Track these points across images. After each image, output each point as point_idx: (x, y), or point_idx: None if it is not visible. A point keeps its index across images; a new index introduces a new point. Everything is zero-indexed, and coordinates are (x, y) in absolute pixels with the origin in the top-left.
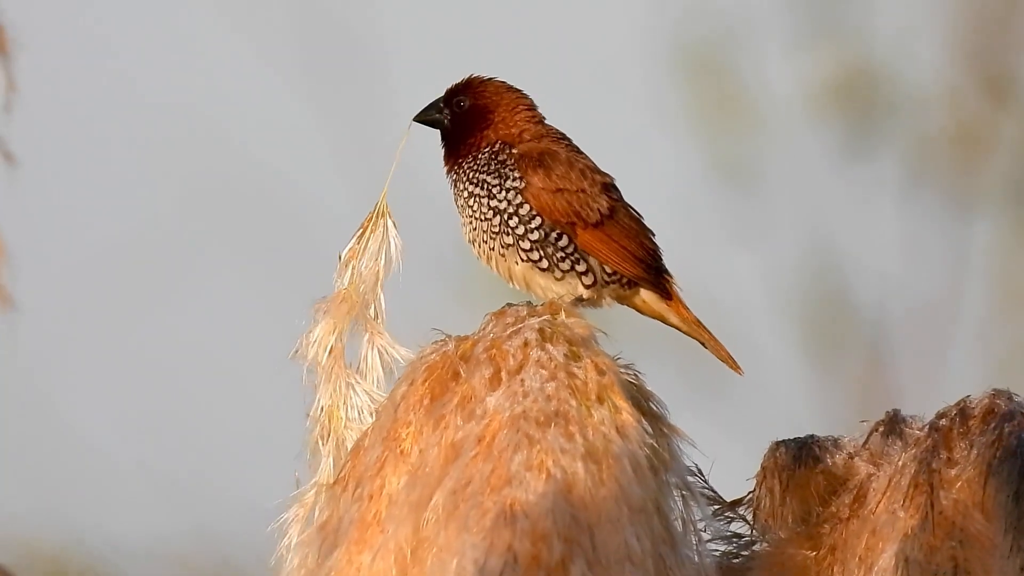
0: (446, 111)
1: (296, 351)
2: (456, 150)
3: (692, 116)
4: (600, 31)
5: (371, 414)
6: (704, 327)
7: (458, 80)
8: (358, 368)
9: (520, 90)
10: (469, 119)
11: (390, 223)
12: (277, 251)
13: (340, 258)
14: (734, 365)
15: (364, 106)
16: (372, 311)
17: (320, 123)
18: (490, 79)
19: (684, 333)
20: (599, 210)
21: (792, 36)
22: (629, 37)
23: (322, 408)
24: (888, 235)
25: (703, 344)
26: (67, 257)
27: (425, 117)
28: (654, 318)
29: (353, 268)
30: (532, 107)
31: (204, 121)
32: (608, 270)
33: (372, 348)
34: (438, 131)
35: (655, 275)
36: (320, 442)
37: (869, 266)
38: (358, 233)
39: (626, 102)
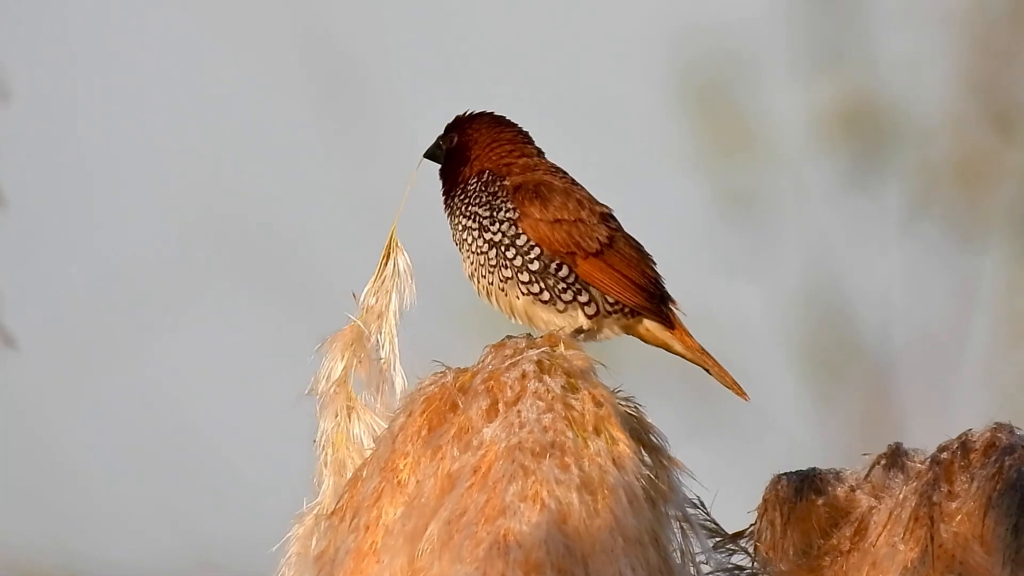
0: (442, 146)
1: (311, 387)
2: (447, 185)
3: (697, 146)
4: (606, 64)
5: (372, 439)
6: (708, 354)
7: (459, 115)
8: (369, 397)
9: (508, 123)
10: (456, 154)
11: (401, 258)
12: (280, 285)
13: (356, 298)
14: (739, 391)
15: (370, 142)
16: (384, 343)
17: (326, 158)
18: (479, 113)
19: (688, 361)
20: (599, 239)
21: (797, 67)
22: (635, 69)
23: (324, 434)
24: (892, 266)
25: (707, 371)
26: (71, 288)
27: (429, 153)
28: (658, 346)
29: (364, 302)
30: (516, 139)
31: (211, 156)
32: (610, 300)
33: (380, 379)
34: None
35: (657, 303)
36: (323, 463)
37: (873, 297)
38: (377, 270)
39: (631, 133)
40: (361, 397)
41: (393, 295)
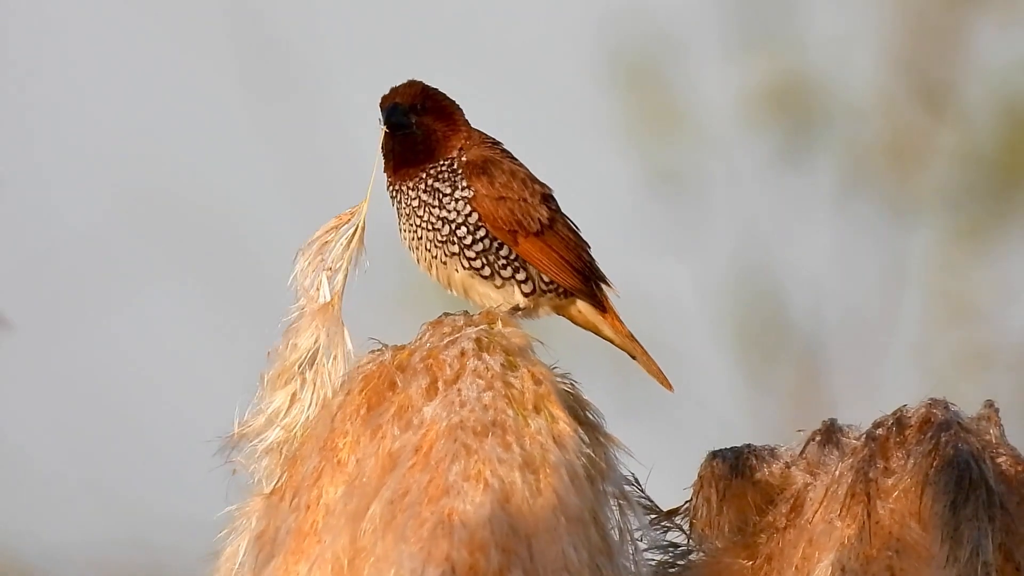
0: (412, 117)
1: (276, 356)
2: (419, 158)
3: (627, 125)
4: (536, 41)
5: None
6: (637, 341)
7: (403, 85)
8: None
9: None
10: (431, 126)
11: (362, 234)
12: (213, 263)
13: (303, 251)
14: (664, 381)
15: (301, 117)
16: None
17: (258, 135)
18: (437, 89)
19: (617, 346)
20: (539, 220)
21: (727, 45)
22: (565, 47)
23: (300, 422)
24: (823, 245)
25: (634, 358)
26: (3, 268)
27: (396, 123)
28: (588, 329)
29: (326, 274)
30: (463, 116)
31: (142, 135)
32: (546, 279)
33: (338, 357)
34: (380, 137)
35: (591, 286)
36: (283, 450)
37: (804, 276)
38: (333, 221)
39: (561, 111)
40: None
41: (350, 271)
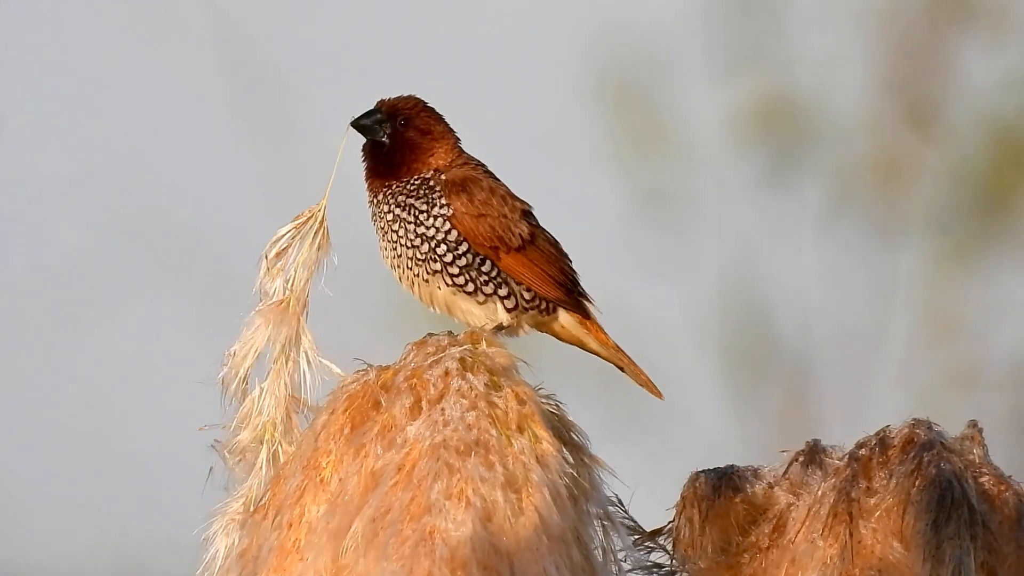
0: (387, 126)
1: (232, 357)
2: (393, 171)
3: (615, 145)
4: (523, 61)
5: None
6: (623, 352)
7: (396, 97)
8: (291, 379)
9: (442, 116)
10: (411, 141)
11: (326, 229)
12: (199, 281)
13: (266, 256)
14: (654, 389)
15: (286, 134)
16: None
17: (243, 152)
18: (433, 107)
19: (603, 359)
20: (520, 235)
21: (715, 65)
22: (552, 67)
23: (262, 421)
24: (810, 264)
25: (622, 369)
26: None
27: (367, 123)
28: (573, 344)
29: (284, 271)
30: (452, 135)
31: (128, 153)
32: (527, 296)
33: (301, 357)
34: (362, 143)
35: (575, 298)
36: (254, 452)
37: (791, 295)
38: (288, 232)
39: (548, 131)
40: (285, 382)
41: (315, 267)
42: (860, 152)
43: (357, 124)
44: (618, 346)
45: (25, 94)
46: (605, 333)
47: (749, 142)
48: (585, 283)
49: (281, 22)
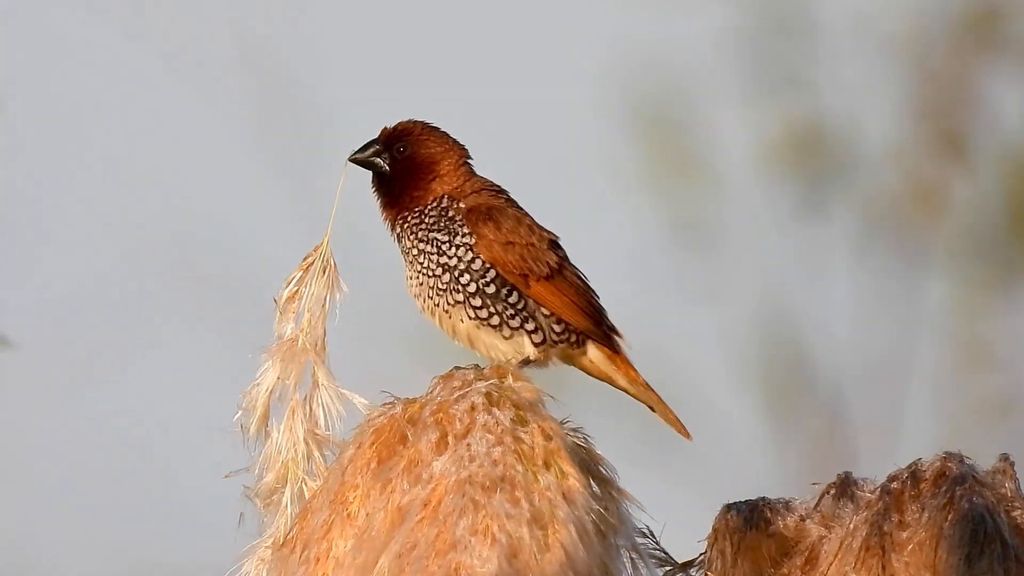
0: (385, 156)
1: (245, 401)
2: (399, 201)
3: (646, 175)
4: (554, 89)
5: (324, 456)
6: (652, 390)
7: (395, 123)
8: (309, 414)
9: (456, 140)
10: (411, 168)
11: (334, 267)
12: (231, 306)
13: (277, 302)
14: (682, 430)
15: (313, 158)
16: (322, 357)
17: (272, 177)
18: (433, 127)
19: (632, 396)
20: (548, 264)
21: (746, 93)
22: (583, 94)
23: (283, 460)
24: (843, 293)
25: (651, 408)
26: (17, 310)
27: (362, 158)
28: (602, 380)
29: (297, 313)
30: (466, 159)
31: (157, 179)
32: (557, 329)
33: (320, 393)
34: (370, 173)
35: (603, 330)
36: (279, 492)
37: (824, 325)
38: (296, 276)
39: (579, 159)
40: (305, 418)
41: (327, 306)
42: (891, 181)
43: (355, 159)
44: (648, 384)
45: (57, 121)
46: (635, 370)
47: (781, 170)
48: (615, 314)
49: (310, 46)
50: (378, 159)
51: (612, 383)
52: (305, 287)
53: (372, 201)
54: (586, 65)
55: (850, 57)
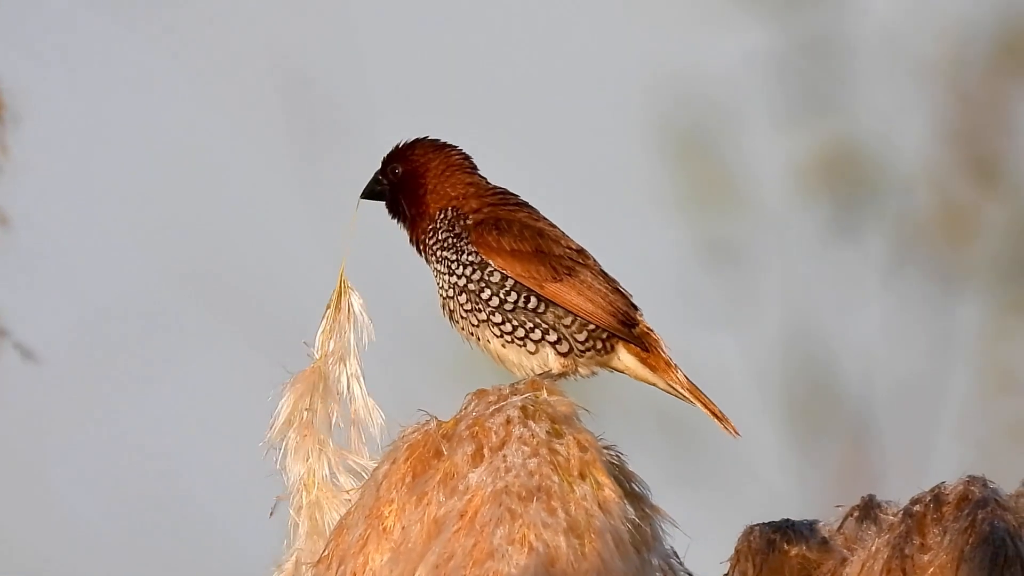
0: (384, 181)
1: (272, 428)
2: (411, 223)
3: (678, 196)
4: (587, 111)
5: (340, 474)
6: (697, 388)
7: (398, 145)
8: (339, 438)
9: (448, 145)
10: (407, 186)
11: (355, 298)
12: (260, 329)
13: (311, 344)
14: (730, 427)
15: (346, 175)
16: (343, 382)
17: (307, 201)
18: (416, 140)
19: (676, 397)
20: (560, 267)
21: (779, 115)
22: (616, 116)
23: (299, 477)
24: (873, 316)
25: (703, 405)
26: (42, 325)
27: (368, 193)
28: (644, 382)
29: (322, 343)
30: (464, 163)
31: (187, 200)
32: (580, 337)
33: (336, 415)
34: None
35: (627, 328)
36: (298, 508)
37: (854, 347)
38: (324, 314)
39: (612, 181)
40: (330, 440)
41: (351, 336)
42: (923, 204)
43: (363, 196)
44: (691, 382)
45: (86, 139)
46: (675, 368)
47: (813, 192)
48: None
49: (347, 66)
50: (379, 188)
51: (654, 384)
52: (328, 323)
53: (397, 229)
54: (622, 86)
55: (883, 80)
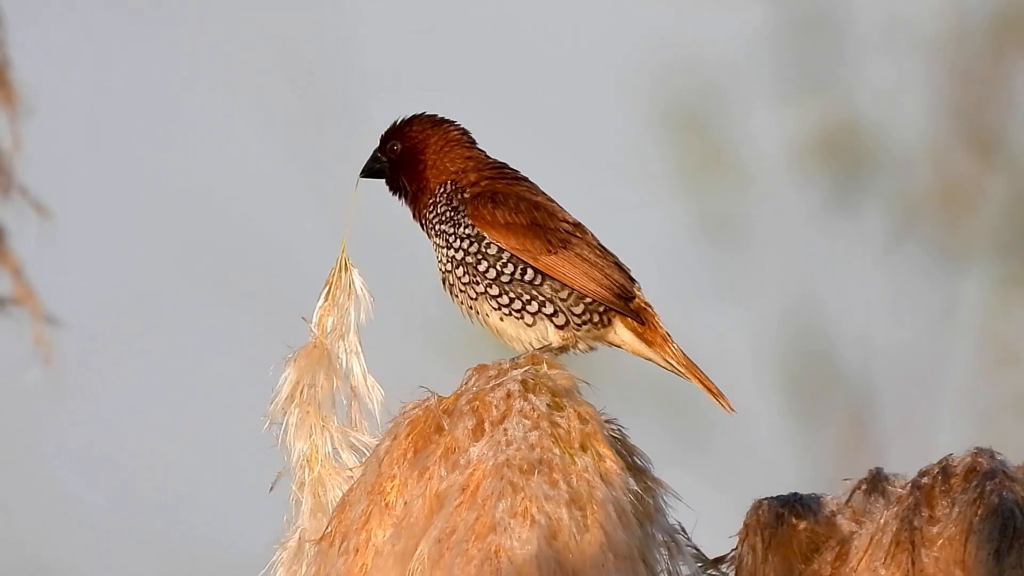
0: (383, 159)
1: (273, 405)
2: (413, 198)
3: (677, 172)
4: (585, 88)
5: (342, 451)
6: (692, 363)
7: (395, 121)
8: (340, 415)
9: (446, 120)
10: (406, 162)
11: (355, 276)
12: (263, 306)
13: (310, 320)
14: (725, 403)
15: (346, 156)
16: (343, 359)
17: (307, 177)
18: (414, 116)
19: (672, 372)
20: (556, 240)
21: (777, 91)
22: (613, 93)
23: (301, 454)
24: (873, 291)
25: (699, 380)
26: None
27: (367, 172)
28: (641, 357)
29: (321, 320)
30: (463, 138)
31: (190, 178)
32: (577, 310)
33: (339, 392)
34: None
35: (623, 302)
36: (300, 484)
37: (854, 322)
38: (324, 292)
39: (611, 158)
40: (334, 417)
41: (352, 313)
42: (922, 179)
43: (363, 175)
44: (687, 358)
45: (88, 121)
46: (671, 344)
47: (812, 168)
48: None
49: (345, 46)
50: (378, 165)
51: (650, 359)
52: (328, 301)
53: (399, 207)
54: (619, 62)
55: (882, 54)
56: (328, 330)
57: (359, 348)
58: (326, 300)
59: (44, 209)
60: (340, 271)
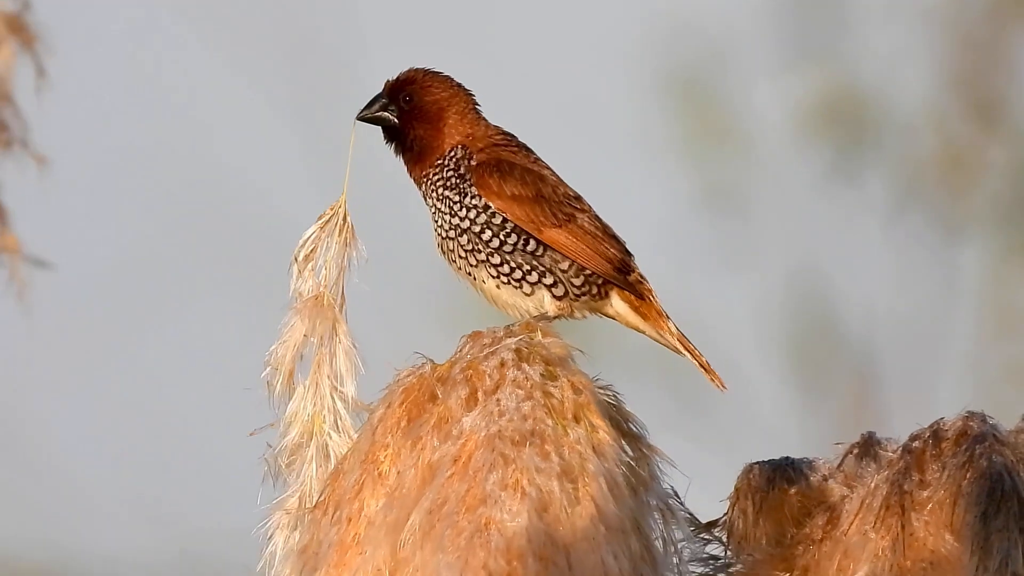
0: (392, 109)
1: (272, 358)
2: (418, 156)
3: (678, 141)
4: (584, 57)
5: (349, 413)
6: (686, 339)
7: (398, 74)
8: (333, 371)
9: (463, 84)
10: (420, 117)
11: (350, 225)
12: (259, 268)
13: (296, 259)
14: (717, 380)
15: (338, 113)
16: (341, 311)
17: (299, 133)
18: (436, 72)
19: (665, 346)
20: (560, 213)
21: (779, 60)
22: (614, 63)
23: (308, 415)
24: (875, 259)
25: (692, 356)
26: (54, 285)
27: (369, 115)
28: (635, 329)
29: (315, 271)
30: (475, 105)
31: (183, 135)
32: (576, 282)
33: (340, 350)
34: (382, 138)
35: (623, 276)
36: (296, 447)
37: (856, 289)
38: (313, 233)
39: (612, 128)
40: (337, 383)
41: (344, 262)
42: (925, 147)
43: (363, 117)
44: (681, 333)
45: (82, 85)
46: (666, 318)
47: (814, 137)
48: (648, 276)
49: (341, 12)
50: (385, 113)
51: (644, 332)
52: (322, 245)
53: (393, 159)
54: (620, 31)
55: (884, 23)
56: (328, 281)
57: (344, 304)
58: (318, 243)
59: (43, 159)
60: (339, 218)
